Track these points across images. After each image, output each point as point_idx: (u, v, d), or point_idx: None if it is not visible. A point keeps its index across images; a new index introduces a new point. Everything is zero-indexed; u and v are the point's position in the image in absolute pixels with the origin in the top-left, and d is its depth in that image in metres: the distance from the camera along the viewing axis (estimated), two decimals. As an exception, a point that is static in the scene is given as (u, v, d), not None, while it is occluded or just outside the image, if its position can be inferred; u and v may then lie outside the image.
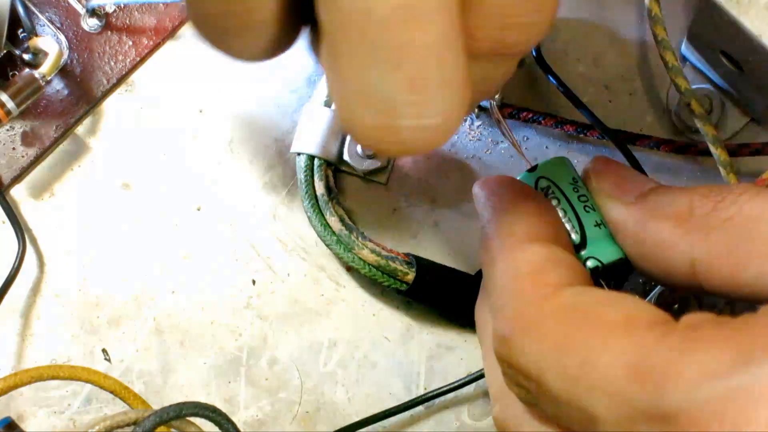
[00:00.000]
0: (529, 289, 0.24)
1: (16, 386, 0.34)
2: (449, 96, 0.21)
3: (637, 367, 0.20)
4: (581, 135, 0.38)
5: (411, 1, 0.19)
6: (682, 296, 0.30)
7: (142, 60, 0.40)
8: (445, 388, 0.37)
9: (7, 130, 0.39)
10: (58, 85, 0.40)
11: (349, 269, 0.39)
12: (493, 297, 0.25)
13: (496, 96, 0.38)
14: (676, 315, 0.22)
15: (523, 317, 0.23)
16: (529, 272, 0.24)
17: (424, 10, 0.19)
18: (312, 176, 0.38)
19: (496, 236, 0.26)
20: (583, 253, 0.27)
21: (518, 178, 0.29)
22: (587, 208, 0.27)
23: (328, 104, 0.38)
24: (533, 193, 0.27)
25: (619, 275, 0.27)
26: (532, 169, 0.28)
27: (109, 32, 0.40)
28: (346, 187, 0.40)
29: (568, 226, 0.27)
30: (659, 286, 0.31)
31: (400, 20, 0.19)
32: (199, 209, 0.39)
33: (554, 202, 0.28)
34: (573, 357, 0.21)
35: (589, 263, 0.27)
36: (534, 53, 0.38)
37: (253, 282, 0.39)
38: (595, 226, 0.27)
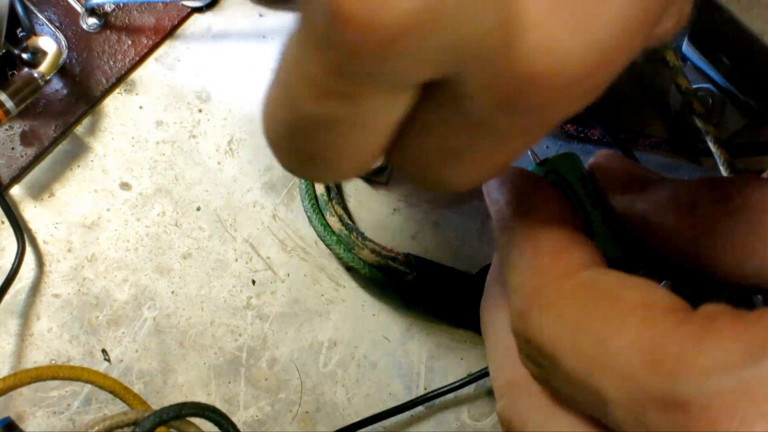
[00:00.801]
0: (550, 267, 0.23)
1: (15, 386, 0.34)
2: (333, 172, 0.21)
3: (651, 352, 0.20)
4: (581, 134, 0.38)
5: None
6: (688, 292, 0.30)
7: (142, 59, 0.40)
8: (445, 389, 0.37)
9: (6, 129, 0.39)
10: (57, 84, 0.39)
11: (349, 269, 0.39)
12: (512, 276, 0.25)
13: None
14: None
15: (542, 294, 0.23)
16: (550, 251, 0.24)
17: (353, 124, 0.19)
18: (312, 176, 0.38)
19: (516, 217, 0.26)
20: None
21: None
22: (595, 205, 0.27)
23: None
24: (546, 182, 0.27)
25: (623, 272, 0.27)
26: (542, 163, 0.28)
27: (109, 31, 0.40)
28: (346, 187, 0.39)
29: None
30: (664, 282, 0.31)
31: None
32: (198, 209, 0.39)
33: None
34: (589, 336, 0.21)
35: None
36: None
37: (253, 282, 0.39)
38: (602, 222, 0.27)
